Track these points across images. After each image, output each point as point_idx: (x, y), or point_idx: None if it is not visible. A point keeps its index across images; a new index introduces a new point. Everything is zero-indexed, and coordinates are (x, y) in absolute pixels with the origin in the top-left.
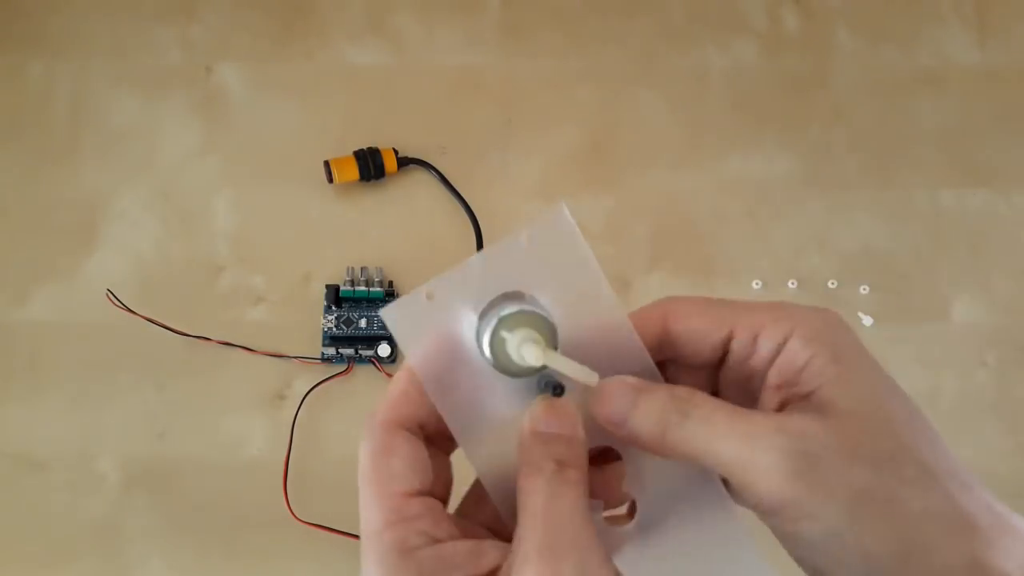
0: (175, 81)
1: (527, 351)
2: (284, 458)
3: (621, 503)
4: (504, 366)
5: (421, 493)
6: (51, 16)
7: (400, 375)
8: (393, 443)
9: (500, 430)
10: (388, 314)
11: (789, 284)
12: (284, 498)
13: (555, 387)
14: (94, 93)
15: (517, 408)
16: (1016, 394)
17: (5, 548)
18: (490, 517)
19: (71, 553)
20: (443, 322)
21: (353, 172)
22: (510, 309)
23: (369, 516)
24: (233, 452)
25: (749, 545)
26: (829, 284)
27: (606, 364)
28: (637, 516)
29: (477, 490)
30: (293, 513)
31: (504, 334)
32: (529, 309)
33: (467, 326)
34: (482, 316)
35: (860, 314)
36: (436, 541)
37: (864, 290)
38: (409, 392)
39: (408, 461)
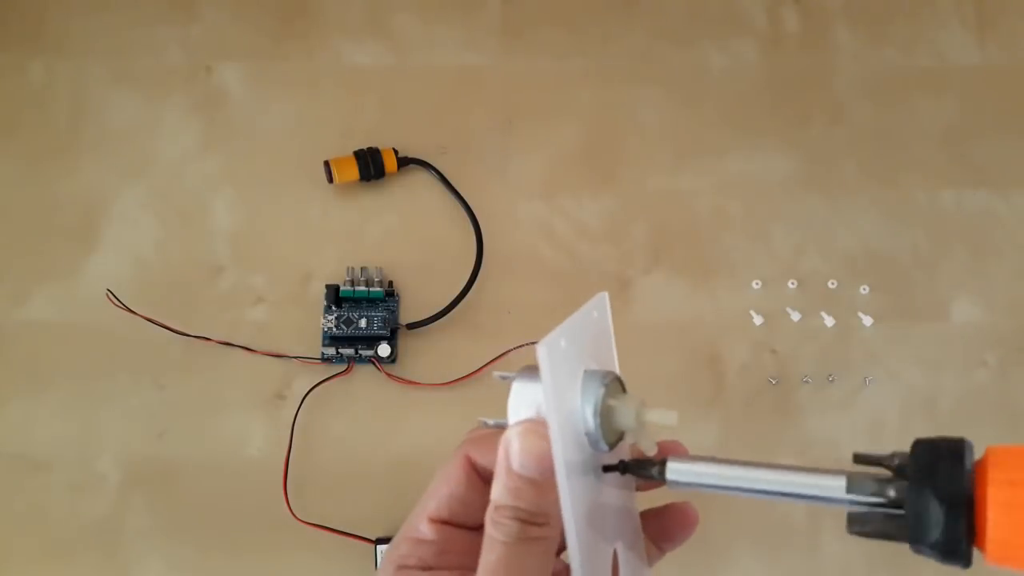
0: (175, 81)
1: (655, 413)
2: (284, 458)
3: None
4: (605, 433)
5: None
6: (51, 16)
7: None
8: None
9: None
10: (542, 349)
11: (789, 284)
12: (284, 498)
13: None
14: (94, 93)
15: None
16: (1016, 394)
17: (5, 548)
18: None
19: (71, 553)
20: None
21: (353, 172)
22: (607, 378)
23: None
24: (233, 452)
25: None
26: (829, 284)
27: None
28: None
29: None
30: (293, 513)
31: (612, 402)
32: (617, 376)
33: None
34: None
35: (860, 314)
36: None
37: (864, 290)
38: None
39: None
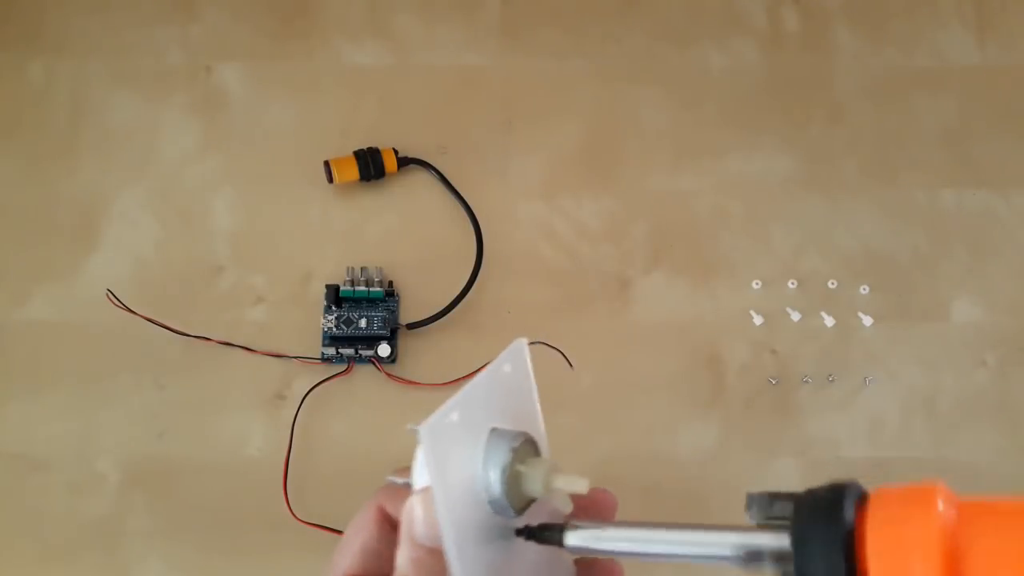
0: (175, 81)
1: (564, 480)
2: (284, 458)
3: None
4: (512, 499)
5: None
6: (50, 15)
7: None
8: None
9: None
10: (424, 433)
11: (789, 284)
12: (284, 498)
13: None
14: (94, 93)
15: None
16: (1016, 394)
17: (5, 548)
18: None
19: (71, 553)
20: (459, 445)
21: (353, 172)
22: (516, 441)
23: None
24: (233, 452)
25: None
26: (829, 284)
27: None
28: None
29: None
30: (293, 513)
31: (520, 468)
32: (529, 437)
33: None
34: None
35: (860, 314)
36: None
37: (864, 290)
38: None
39: None
